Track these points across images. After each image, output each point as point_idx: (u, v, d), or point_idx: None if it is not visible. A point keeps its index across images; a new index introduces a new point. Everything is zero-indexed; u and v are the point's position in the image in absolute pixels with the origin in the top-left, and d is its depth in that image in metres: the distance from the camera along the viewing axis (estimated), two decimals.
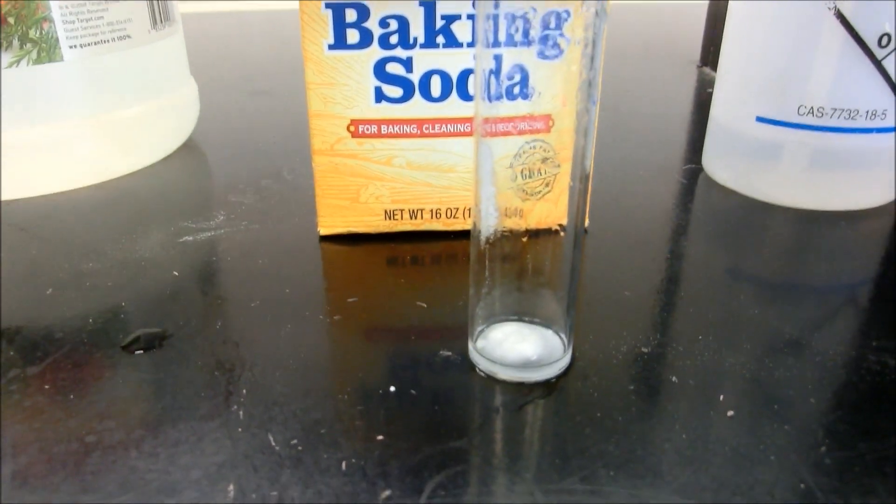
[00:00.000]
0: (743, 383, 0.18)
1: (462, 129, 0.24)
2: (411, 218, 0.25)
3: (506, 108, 0.23)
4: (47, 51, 0.28)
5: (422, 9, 0.22)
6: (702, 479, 0.15)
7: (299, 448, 0.16)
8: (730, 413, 0.17)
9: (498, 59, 0.18)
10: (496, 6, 0.17)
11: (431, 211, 0.25)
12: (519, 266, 0.19)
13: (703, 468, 0.15)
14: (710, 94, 0.45)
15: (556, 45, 0.22)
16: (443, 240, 0.26)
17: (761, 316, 0.21)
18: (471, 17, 0.22)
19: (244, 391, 0.18)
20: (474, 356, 0.19)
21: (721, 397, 0.18)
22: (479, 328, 0.19)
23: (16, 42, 0.28)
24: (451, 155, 0.24)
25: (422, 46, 0.23)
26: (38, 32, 0.28)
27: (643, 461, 0.16)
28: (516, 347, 0.19)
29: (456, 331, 0.20)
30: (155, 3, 0.32)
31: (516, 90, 0.23)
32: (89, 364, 0.19)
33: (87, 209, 0.29)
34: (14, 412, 0.17)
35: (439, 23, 0.23)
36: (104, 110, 0.31)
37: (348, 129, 0.24)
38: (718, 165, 0.30)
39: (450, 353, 0.19)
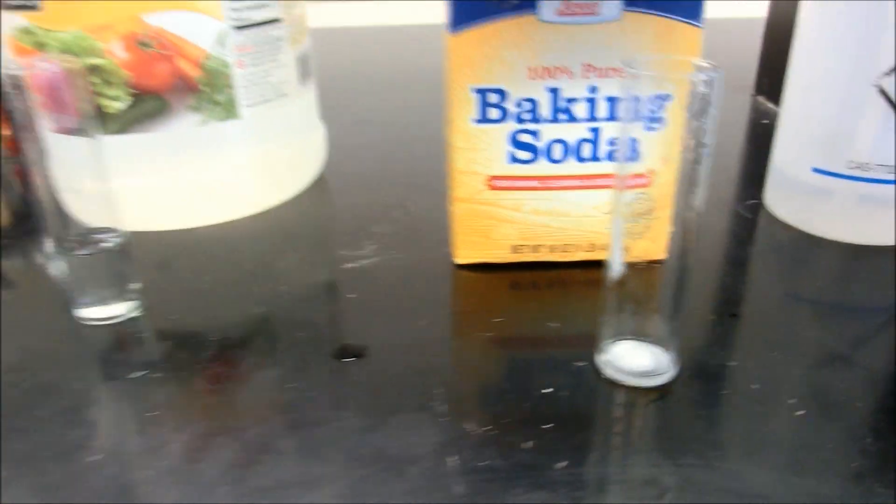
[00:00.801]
0: (807, 388, 0.24)
1: (576, 184, 0.30)
2: (533, 252, 0.32)
3: (622, 167, 0.29)
4: (229, 110, 0.35)
5: (549, 93, 0.29)
6: (782, 458, 0.21)
7: (492, 433, 0.22)
8: (799, 412, 0.23)
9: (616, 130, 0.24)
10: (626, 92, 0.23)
11: (549, 246, 0.32)
12: (639, 295, 0.25)
13: (784, 450, 0.22)
14: (765, 126, 0.50)
15: (659, 119, 0.28)
16: (557, 269, 0.32)
17: (817, 334, 0.27)
18: (589, 99, 0.29)
19: (439, 390, 0.24)
20: (602, 365, 0.25)
21: (791, 401, 0.24)
22: (605, 343, 0.26)
23: (205, 104, 0.35)
24: (566, 203, 0.31)
25: (547, 121, 0.29)
26: (223, 97, 0.35)
27: (740, 445, 0.22)
28: (635, 360, 0.25)
29: (581, 344, 0.27)
30: (302, 64, 0.39)
31: (629, 154, 0.29)
32: (310, 368, 0.26)
33: (253, 237, 0.36)
34: (280, 402, 0.24)
35: (561, 104, 0.29)
36: (263, 153, 0.38)
37: (486, 183, 0.30)
38: (779, 203, 0.36)
39: (583, 363, 0.26)
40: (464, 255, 0.32)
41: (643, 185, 0.30)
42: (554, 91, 0.29)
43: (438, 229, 0.35)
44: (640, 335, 0.26)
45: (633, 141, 0.30)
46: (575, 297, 0.30)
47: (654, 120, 0.29)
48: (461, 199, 0.31)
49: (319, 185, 0.42)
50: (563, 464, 0.21)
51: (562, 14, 0.28)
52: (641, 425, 0.23)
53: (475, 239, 0.32)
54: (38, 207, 0.27)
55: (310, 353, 0.27)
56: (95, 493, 0.21)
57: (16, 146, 0.26)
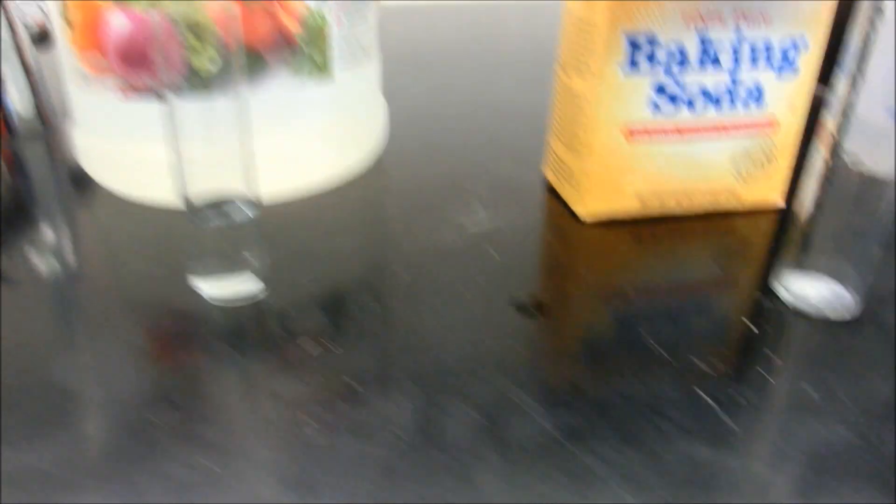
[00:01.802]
0: None
1: (713, 134, 0.31)
2: (659, 204, 0.32)
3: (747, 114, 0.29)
4: (324, 70, 0.33)
5: (699, 40, 0.29)
6: None
7: (717, 365, 0.22)
8: None
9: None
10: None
11: (677, 198, 0.32)
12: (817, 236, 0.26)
13: None
14: None
15: (794, 67, 0.29)
16: (683, 221, 0.32)
17: None
18: (734, 47, 0.29)
19: (656, 336, 0.24)
20: (785, 296, 0.26)
21: None
22: (787, 277, 0.26)
23: (304, 63, 0.33)
24: (700, 153, 0.31)
25: (694, 70, 0.29)
26: (320, 56, 0.33)
27: None
28: (821, 292, 0.26)
29: (728, 287, 0.27)
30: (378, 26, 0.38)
31: (755, 101, 0.30)
32: (496, 322, 0.25)
33: (352, 206, 0.34)
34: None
35: (710, 51, 0.29)
36: (351, 117, 0.36)
37: (625, 134, 0.30)
38: None
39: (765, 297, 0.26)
40: (592, 211, 0.32)
41: (770, 132, 0.31)
42: (704, 37, 0.29)
43: (538, 189, 0.35)
44: (820, 271, 0.26)
45: (762, 86, 0.30)
46: (708, 246, 0.31)
47: (785, 67, 0.30)
48: (596, 153, 0.30)
49: (387, 158, 0.40)
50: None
51: None
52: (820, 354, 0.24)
53: (606, 193, 0.31)
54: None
55: (488, 304, 0.26)
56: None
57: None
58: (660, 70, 0.29)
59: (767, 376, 0.22)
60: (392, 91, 0.43)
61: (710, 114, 0.30)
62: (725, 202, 0.33)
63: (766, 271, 0.28)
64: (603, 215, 0.32)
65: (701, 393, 0.21)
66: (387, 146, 0.41)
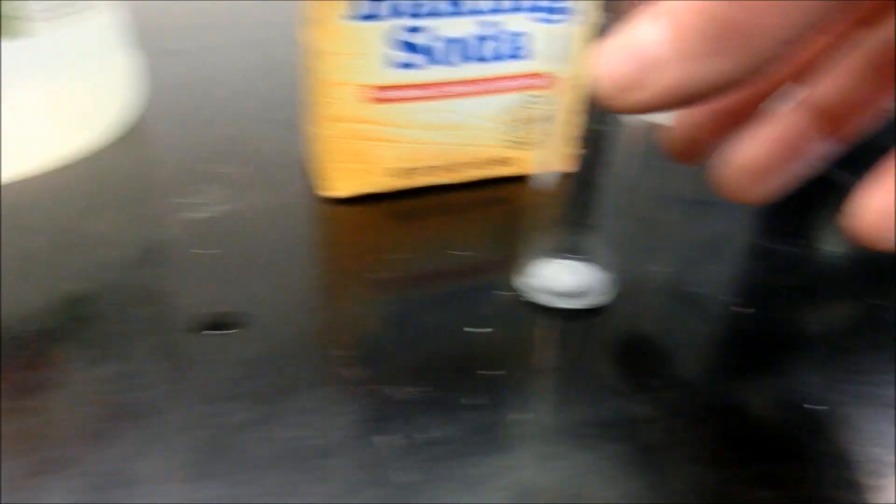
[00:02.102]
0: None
1: (474, 90, 0.26)
2: (421, 175, 0.27)
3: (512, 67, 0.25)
4: (18, 25, 0.27)
5: None
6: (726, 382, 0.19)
7: (429, 391, 0.18)
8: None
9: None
10: None
11: (443, 167, 0.27)
12: (565, 208, 0.21)
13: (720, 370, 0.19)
14: None
15: (564, 10, 0.24)
16: (449, 191, 0.28)
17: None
18: None
19: (342, 353, 0.19)
20: (528, 290, 0.22)
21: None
22: (530, 264, 0.22)
23: None
24: (462, 114, 0.26)
25: (438, 15, 0.24)
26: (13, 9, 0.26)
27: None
28: (568, 279, 0.21)
29: (496, 270, 0.23)
30: None
31: (520, 51, 0.25)
32: (163, 353, 0.20)
33: (57, 195, 0.28)
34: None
35: None
36: (66, 84, 0.29)
37: (365, 95, 0.25)
38: None
39: (505, 291, 0.22)
40: (340, 187, 0.27)
41: (541, 87, 0.27)
42: None
43: (298, 164, 0.30)
44: (571, 252, 0.22)
45: (528, 34, 0.26)
46: (473, 220, 0.26)
47: (553, 11, 0.25)
48: (333, 119, 0.25)
49: (139, 127, 0.34)
50: (518, 415, 0.17)
51: None
52: (595, 353, 0.20)
53: (353, 166, 0.26)
54: None
55: (159, 333, 0.20)
56: None
57: None
58: (402, 17, 0.24)
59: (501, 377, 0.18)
60: (159, 50, 0.37)
61: (470, 68, 0.25)
62: (499, 170, 0.28)
63: (519, 254, 0.24)
64: (354, 192, 0.27)
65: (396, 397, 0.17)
66: (148, 113, 0.35)
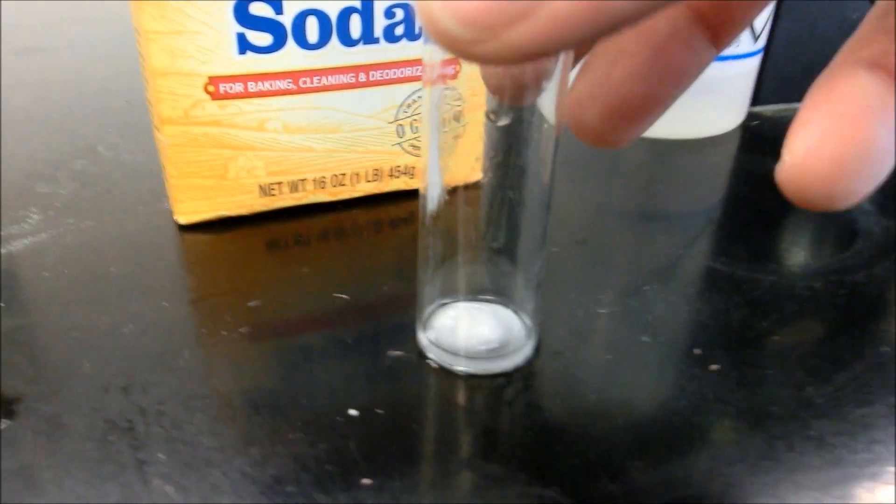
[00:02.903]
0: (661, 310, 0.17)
1: (345, 81, 0.20)
2: (291, 191, 0.21)
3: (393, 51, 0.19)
4: None
5: None
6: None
7: None
8: (713, 367, 0.16)
9: None
10: None
11: (315, 180, 0.21)
12: (471, 233, 0.16)
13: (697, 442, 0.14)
14: None
15: None
16: (330, 212, 0.22)
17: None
18: None
19: (156, 451, 0.13)
20: (427, 349, 0.16)
21: (696, 351, 0.16)
22: (429, 313, 0.16)
23: None
24: (335, 112, 0.21)
25: None
26: None
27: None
28: (480, 332, 0.16)
29: (392, 321, 0.17)
30: None
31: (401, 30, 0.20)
32: None
33: None
34: None
35: None
36: None
37: (206, 89, 0.19)
38: None
39: (399, 351, 0.16)
40: (189, 210, 0.21)
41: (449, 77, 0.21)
42: None
43: (149, 178, 0.24)
44: (482, 293, 0.17)
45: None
46: (362, 251, 0.21)
47: None
48: (169, 121, 0.19)
49: None
50: None
51: None
52: (506, 437, 0.14)
53: (202, 182, 0.20)
54: None
55: None
56: None
57: None
58: None
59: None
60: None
61: (337, 51, 0.20)
62: (397, 184, 0.23)
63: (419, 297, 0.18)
64: (204, 216, 0.21)
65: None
66: None
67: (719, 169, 0.27)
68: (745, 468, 0.13)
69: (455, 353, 0.16)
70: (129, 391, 0.15)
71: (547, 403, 0.15)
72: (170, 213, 0.21)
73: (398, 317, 0.17)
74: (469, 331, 0.16)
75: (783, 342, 0.17)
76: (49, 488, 0.13)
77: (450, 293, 0.16)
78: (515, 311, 0.16)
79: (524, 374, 0.16)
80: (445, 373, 0.16)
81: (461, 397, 0.15)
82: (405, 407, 0.15)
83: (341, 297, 0.18)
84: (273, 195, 0.21)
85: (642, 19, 0.07)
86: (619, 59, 0.11)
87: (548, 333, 0.17)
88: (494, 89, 0.13)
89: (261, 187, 0.21)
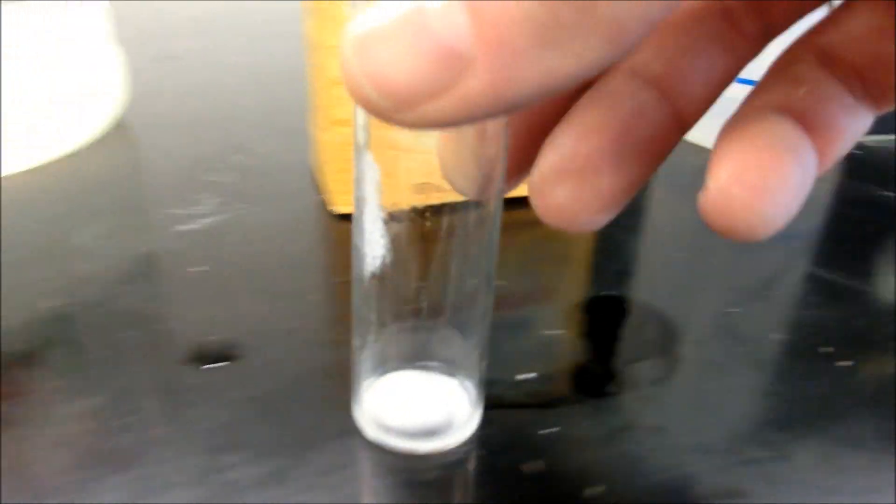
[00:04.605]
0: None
1: None
2: (437, 191, 0.24)
3: None
4: None
5: None
6: None
7: None
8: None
9: None
10: None
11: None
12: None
13: None
14: None
15: None
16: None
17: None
18: None
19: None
20: (363, 424, 0.15)
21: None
22: (363, 384, 0.15)
23: None
24: None
25: None
26: None
27: None
28: (416, 406, 0.15)
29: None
30: None
31: None
32: (152, 390, 0.16)
33: (35, 200, 0.25)
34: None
35: None
36: (43, 81, 0.26)
37: None
38: None
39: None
40: (344, 202, 0.24)
41: None
42: None
43: (298, 174, 0.27)
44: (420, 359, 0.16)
45: None
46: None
47: None
48: (339, 123, 0.22)
49: (122, 130, 0.31)
50: None
51: None
52: None
53: None
54: None
55: (148, 363, 0.17)
56: None
57: None
58: None
59: None
60: (145, 45, 0.34)
61: None
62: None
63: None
64: None
65: None
66: (131, 111, 0.32)
67: (819, 191, 0.28)
68: None
69: (388, 429, 0.15)
70: (299, 343, 0.18)
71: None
72: (323, 204, 0.24)
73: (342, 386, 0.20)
74: (405, 402, 0.15)
75: None
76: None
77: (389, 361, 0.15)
78: (462, 382, 0.15)
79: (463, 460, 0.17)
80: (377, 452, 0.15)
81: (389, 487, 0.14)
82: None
83: None
84: (424, 194, 0.24)
85: (553, 94, 0.08)
86: (585, 134, 0.11)
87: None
88: (460, 190, 0.14)
89: (415, 186, 0.24)
